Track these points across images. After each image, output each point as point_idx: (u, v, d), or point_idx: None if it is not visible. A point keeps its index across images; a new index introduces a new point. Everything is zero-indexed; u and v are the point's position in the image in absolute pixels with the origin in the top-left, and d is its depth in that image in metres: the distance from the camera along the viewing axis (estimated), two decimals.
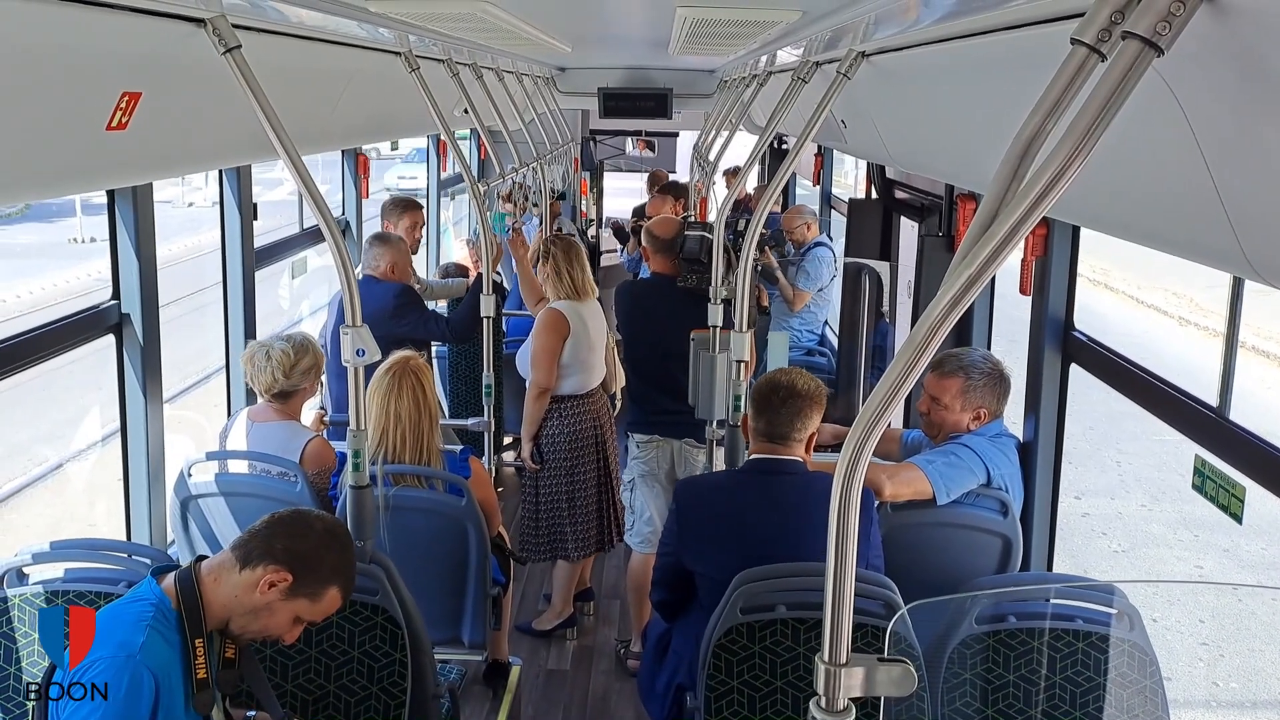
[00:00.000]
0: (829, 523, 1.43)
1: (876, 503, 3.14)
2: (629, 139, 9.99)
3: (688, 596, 3.10)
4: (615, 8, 3.85)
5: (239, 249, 4.11)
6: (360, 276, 4.79)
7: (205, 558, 2.25)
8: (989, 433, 3.35)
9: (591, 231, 9.09)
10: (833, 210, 7.24)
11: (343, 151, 5.48)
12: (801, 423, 2.95)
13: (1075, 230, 3.26)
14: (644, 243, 4.84)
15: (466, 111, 5.32)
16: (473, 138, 7.01)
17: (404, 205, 5.20)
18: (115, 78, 2.19)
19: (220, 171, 4.00)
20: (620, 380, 5.14)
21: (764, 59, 4.89)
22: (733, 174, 8.63)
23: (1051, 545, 3.45)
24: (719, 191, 6.53)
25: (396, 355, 3.48)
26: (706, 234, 4.41)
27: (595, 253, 9.07)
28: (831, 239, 6.87)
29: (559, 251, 4.75)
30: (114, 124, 2.27)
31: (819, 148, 7.18)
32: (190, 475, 3.41)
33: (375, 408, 3.40)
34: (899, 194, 5.13)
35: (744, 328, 3.35)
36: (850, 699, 1.48)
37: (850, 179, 8.21)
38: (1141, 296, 19.16)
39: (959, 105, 2.69)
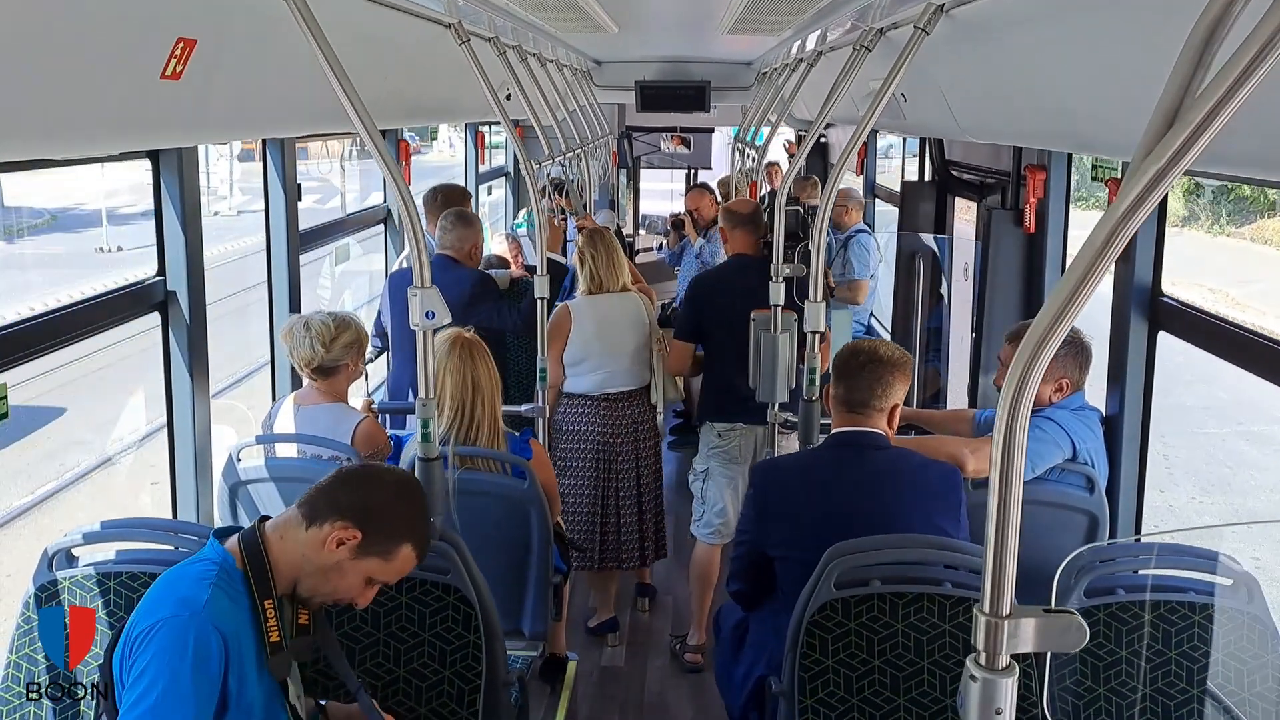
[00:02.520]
0: (992, 454, 1.28)
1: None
2: (664, 136, 9.88)
3: (767, 586, 2.96)
4: None
5: (284, 228, 3.99)
6: (434, 256, 4.67)
7: (269, 518, 2.11)
8: (1071, 405, 3.20)
9: (628, 229, 8.97)
10: (877, 199, 7.08)
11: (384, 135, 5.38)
12: (883, 390, 2.80)
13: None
14: (721, 223, 4.70)
15: (509, 97, 5.22)
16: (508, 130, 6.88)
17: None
18: (170, 21, 2.07)
19: (264, 147, 3.89)
20: (666, 389, 4.71)
21: (814, 37, 4.75)
22: (774, 166, 8.49)
23: (1139, 522, 3.29)
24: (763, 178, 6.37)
25: (451, 330, 3.35)
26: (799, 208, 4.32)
27: (632, 250, 8.95)
28: (871, 228, 6.73)
29: (582, 241, 4.61)
30: (168, 73, 2.16)
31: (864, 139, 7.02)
32: (239, 460, 3.29)
33: (449, 382, 3.27)
34: (955, 173, 4.97)
35: (817, 297, 3.21)
36: (1012, 656, 1.34)
37: (891, 168, 8.05)
38: (1177, 295, 18.86)
39: (1060, 55, 2.54)
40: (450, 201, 5.03)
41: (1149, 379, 3.16)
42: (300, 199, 4.12)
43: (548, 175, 5.69)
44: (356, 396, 3.89)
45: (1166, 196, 3.18)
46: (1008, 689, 1.33)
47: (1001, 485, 1.30)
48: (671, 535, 5.05)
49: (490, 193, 8.08)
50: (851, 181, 7.46)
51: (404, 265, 4.90)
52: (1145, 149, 1.20)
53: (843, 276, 6.19)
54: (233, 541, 2.05)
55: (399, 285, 4.53)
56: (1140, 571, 2.46)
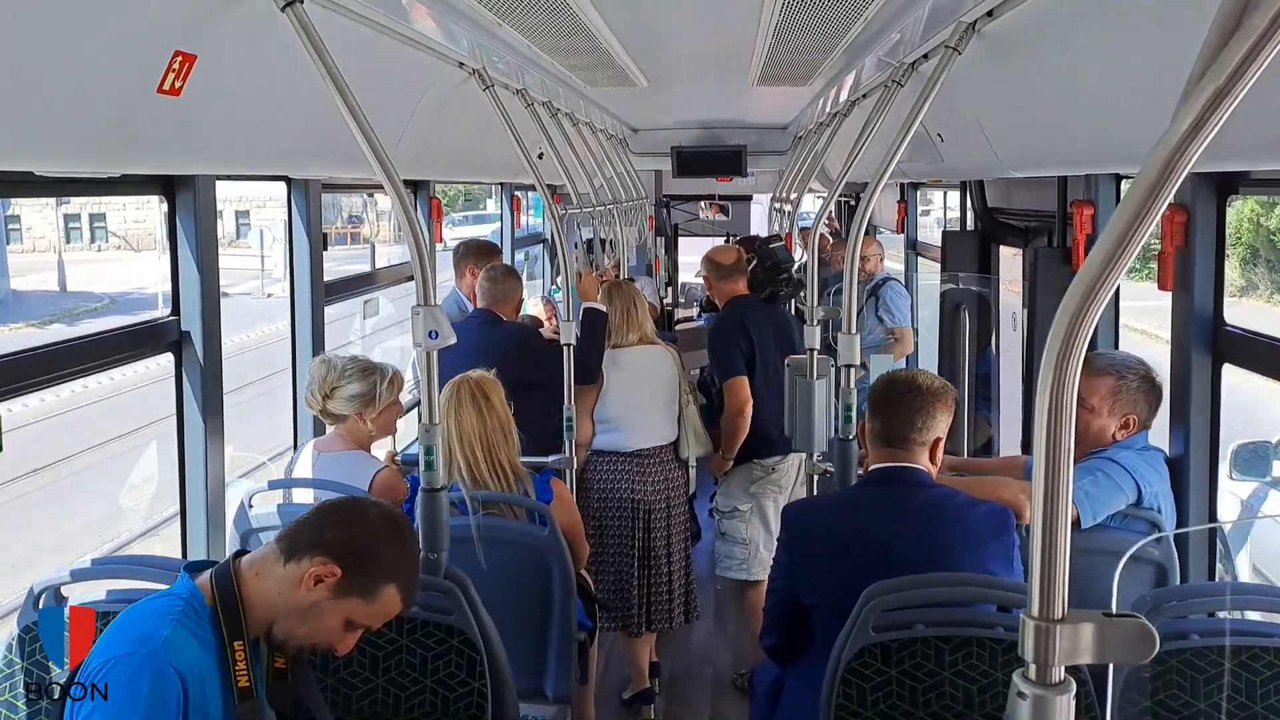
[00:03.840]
0: (1036, 421, 1.11)
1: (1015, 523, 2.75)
2: (702, 204, 9.84)
3: (803, 638, 2.73)
4: (695, 26, 3.68)
5: (307, 277, 3.92)
6: (473, 309, 4.62)
7: (246, 552, 1.96)
8: (1136, 444, 2.97)
9: (668, 298, 8.88)
10: (920, 258, 6.92)
11: (414, 193, 5.34)
12: (924, 422, 2.60)
13: (1220, 213, 2.92)
14: (706, 272, 4.88)
15: (541, 156, 5.17)
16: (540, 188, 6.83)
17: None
18: (169, 34, 2.00)
19: (289, 190, 3.83)
20: (696, 446, 4.58)
21: (847, 88, 4.66)
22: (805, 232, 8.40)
23: (1211, 572, 3.02)
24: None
25: (459, 376, 3.24)
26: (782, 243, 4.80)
27: (671, 319, 8.83)
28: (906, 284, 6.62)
29: (601, 294, 4.50)
30: (166, 87, 2.08)
31: (901, 193, 6.90)
32: (251, 506, 3.16)
33: (456, 427, 3.16)
34: (1000, 219, 4.80)
35: (851, 329, 3.04)
36: (1066, 669, 1.14)
37: (931, 229, 7.90)
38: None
39: (1100, 62, 2.40)
40: (481, 255, 4.96)
41: (1215, 415, 2.92)
42: (326, 248, 4.06)
43: (578, 226, 5.61)
44: (381, 448, 3.76)
45: (1226, 231, 3.00)
46: (1063, 708, 1.13)
47: (1049, 462, 1.12)
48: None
49: (527, 257, 8.05)
50: (893, 242, 7.33)
51: None
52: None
53: (876, 328, 6.02)
54: (204, 577, 1.89)
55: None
56: (1218, 614, 2.21)
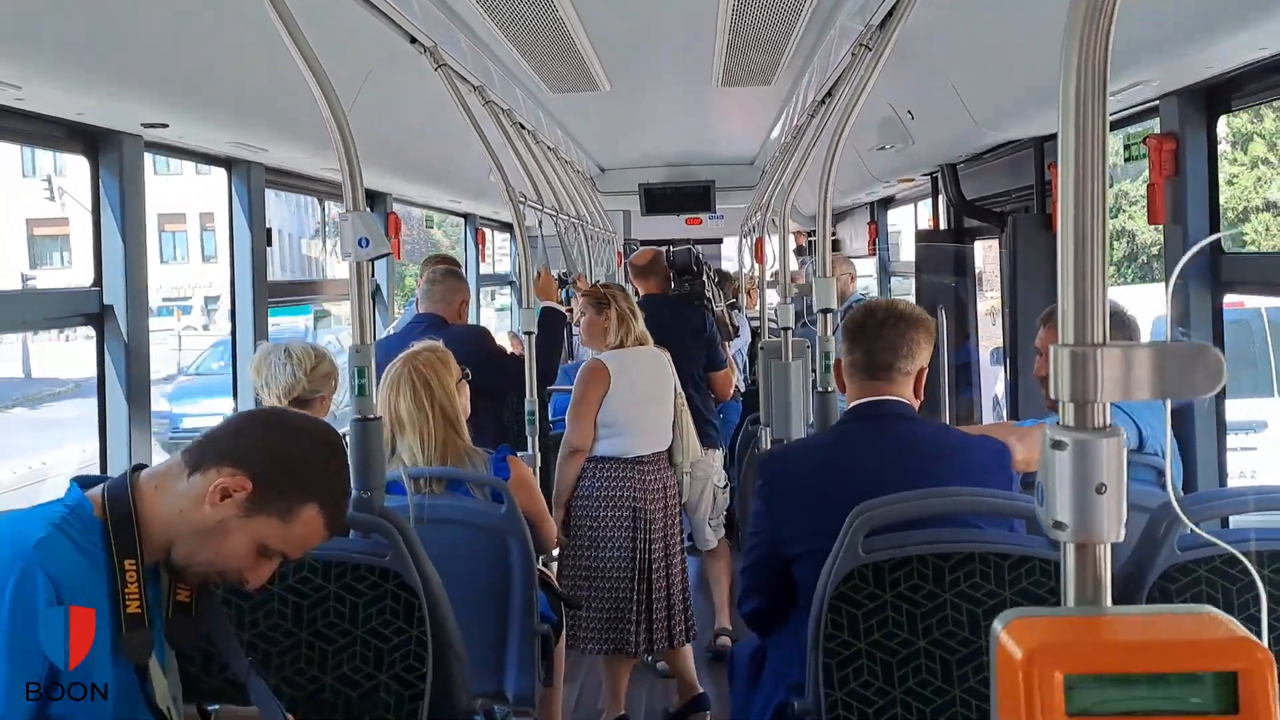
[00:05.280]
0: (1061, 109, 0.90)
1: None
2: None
3: (786, 601, 2.46)
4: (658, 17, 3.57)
5: (249, 272, 3.68)
6: (414, 315, 4.38)
7: (145, 466, 1.69)
8: None
9: None
10: (894, 277, 6.79)
11: (371, 208, 5.17)
12: (909, 349, 2.37)
13: (1211, 136, 2.77)
14: (630, 275, 5.56)
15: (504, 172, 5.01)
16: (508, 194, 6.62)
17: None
18: None
19: (229, 176, 3.63)
20: (690, 452, 4.39)
21: (815, 77, 4.54)
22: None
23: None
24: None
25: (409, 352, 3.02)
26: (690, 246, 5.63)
27: None
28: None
29: (603, 289, 4.30)
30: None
31: (871, 214, 6.80)
32: None
33: (404, 404, 2.92)
34: (976, 205, 4.65)
35: (827, 272, 2.83)
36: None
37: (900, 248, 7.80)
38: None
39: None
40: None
41: (1219, 348, 2.72)
42: (270, 244, 3.84)
43: (539, 227, 5.45)
44: None
45: (1218, 155, 2.85)
46: (1111, 453, 0.90)
47: (1079, 135, 0.91)
48: None
49: (494, 297, 7.87)
50: (866, 267, 7.21)
51: (393, 331, 4.56)
52: None
53: None
54: (96, 490, 1.62)
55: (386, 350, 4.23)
56: (1238, 521, 1.99)
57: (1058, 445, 0.90)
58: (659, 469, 4.18)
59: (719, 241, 10.08)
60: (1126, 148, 3.24)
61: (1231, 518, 2.18)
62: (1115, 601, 1.84)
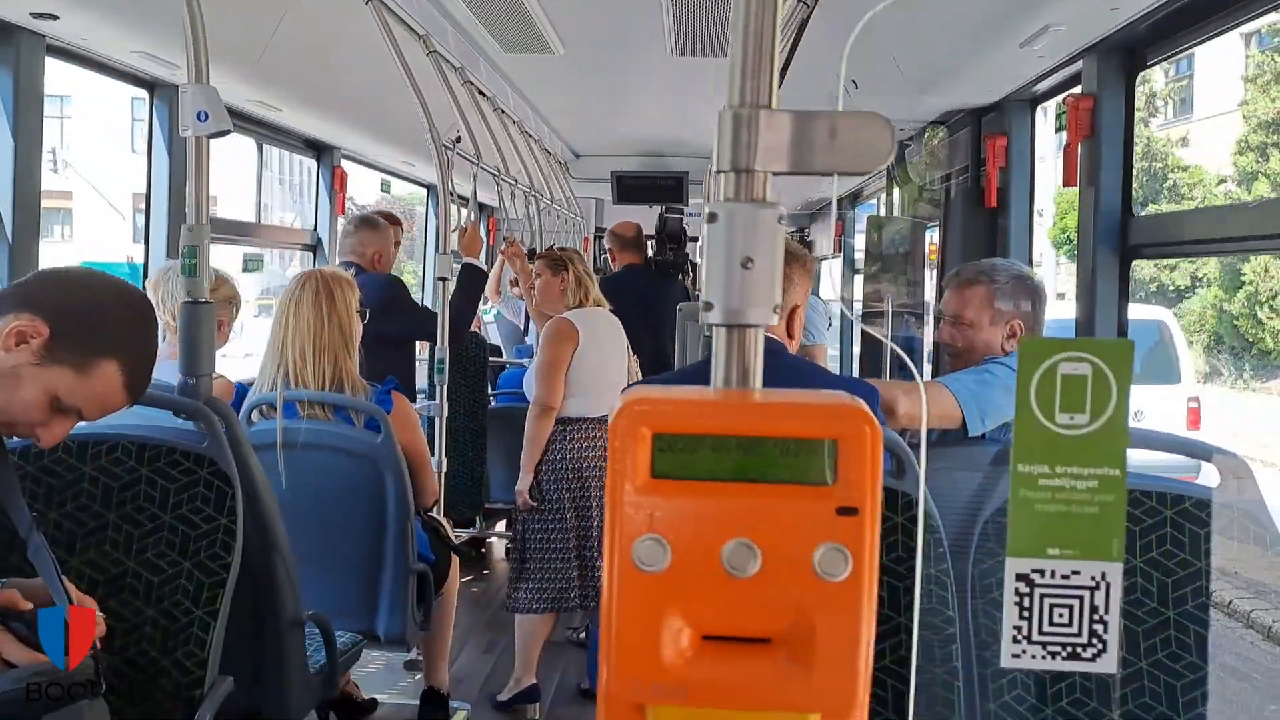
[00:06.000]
0: None
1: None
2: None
3: None
4: None
5: (165, 201, 3.61)
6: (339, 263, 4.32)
7: None
8: None
9: None
10: (856, 275, 6.73)
11: (317, 161, 5.09)
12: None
13: (1129, 94, 2.69)
14: (609, 245, 5.61)
15: (459, 139, 4.95)
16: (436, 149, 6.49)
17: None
18: None
19: (151, 98, 3.55)
20: None
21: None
22: None
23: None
24: None
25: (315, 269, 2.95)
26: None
27: None
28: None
29: (558, 251, 4.24)
30: None
31: (838, 211, 6.74)
32: None
33: (297, 319, 2.85)
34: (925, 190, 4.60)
35: None
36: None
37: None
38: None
39: None
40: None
41: (1123, 314, 2.64)
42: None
43: (474, 181, 5.34)
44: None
45: (1134, 119, 2.78)
46: (764, 229, 0.82)
47: None
48: None
49: None
50: (833, 266, 7.15)
51: None
52: None
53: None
54: None
55: None
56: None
57: (711, 219, 0.82)
58: (602, 431, 4.10)
59: (693, 240, 10.02)
60: (1057, 117, 3.17)
61: None
62: (949, 540, 1.76)
